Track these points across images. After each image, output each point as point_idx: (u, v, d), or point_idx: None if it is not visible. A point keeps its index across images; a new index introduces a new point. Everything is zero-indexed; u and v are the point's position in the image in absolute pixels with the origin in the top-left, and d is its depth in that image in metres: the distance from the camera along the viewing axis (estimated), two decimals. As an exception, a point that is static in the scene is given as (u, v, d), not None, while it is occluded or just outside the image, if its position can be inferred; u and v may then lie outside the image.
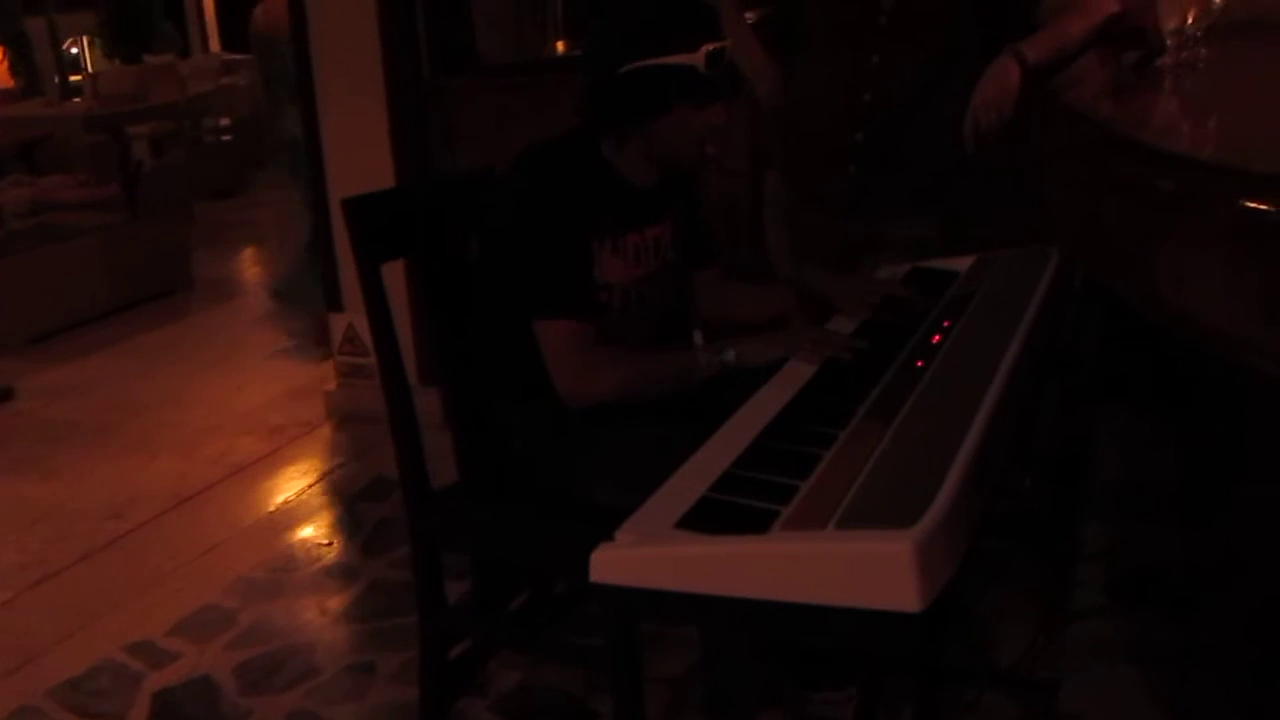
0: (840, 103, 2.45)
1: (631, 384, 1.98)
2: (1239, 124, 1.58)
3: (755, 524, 1.31)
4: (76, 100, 12.34)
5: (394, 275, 2.15)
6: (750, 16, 2.68)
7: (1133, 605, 2.22)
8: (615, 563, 1.32)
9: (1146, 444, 2.35)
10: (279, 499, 3.63)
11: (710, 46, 1.91)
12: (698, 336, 2.37)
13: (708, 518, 1.35)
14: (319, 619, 2.90)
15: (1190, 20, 1.89)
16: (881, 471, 1.38)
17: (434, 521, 2.18)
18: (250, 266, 7.25)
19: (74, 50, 15.70)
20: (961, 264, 2.33)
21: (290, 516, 3.51)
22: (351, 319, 4.12)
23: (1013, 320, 1.85)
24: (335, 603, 2.97)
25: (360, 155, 3.79)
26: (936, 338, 1.86)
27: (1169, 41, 1.94)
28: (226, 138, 10.27)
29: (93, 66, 14.86)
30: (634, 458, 1.94)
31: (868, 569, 1.19)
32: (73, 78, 14.81)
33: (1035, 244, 2.28)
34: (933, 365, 1.73)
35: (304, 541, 3.33)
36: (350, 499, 3.60)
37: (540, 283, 1.99)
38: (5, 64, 15.18)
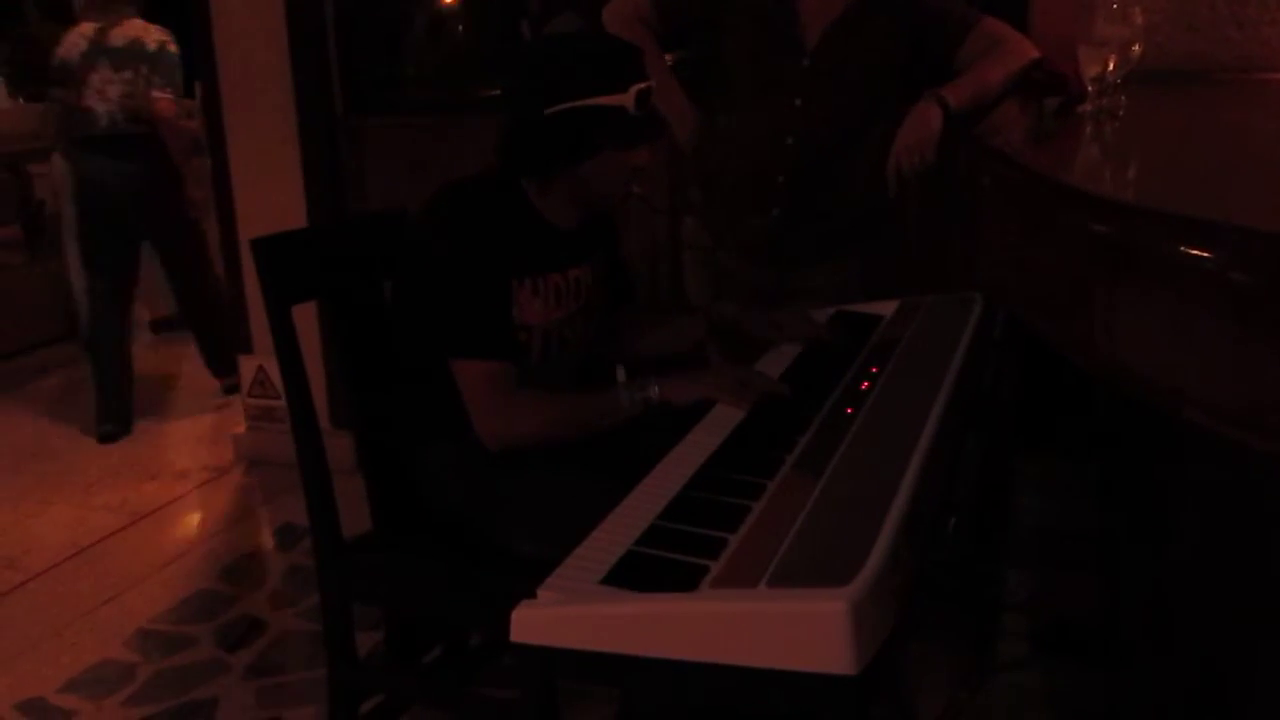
0: (763, 147, 2.43)
1: (553, 425, 1.93)
2: (1164, 170, 1.58)
3: (683, 580, 1.25)
4: (-24, 138, 11.99)
5: (305, 316, 2.07)
6: (669, 59, 2.65)
7: (1055, 656, 2.20)
8: (537, 622, 1.26)
9: (1068, 491, 2.35)
10: (183, 547, 3.50)
11: (640, 86, 1.87)
12: (620, 373, 2.33)
13: (634, 573, 1.30)
14: (223, 673, 2.77)
15: (1110, 68, 1.90)
16: (813, 526, 1.33)
17: (345, 572, 2.09)
18: (161, 304, 7.03)
19: (-24, 86, 15.30)
20: (884, 308, 2.31)
21: (194, 565, 3.37)
22: (261, 361, 4.01)
23: (940, 367, 1.83)
24: (241, 655, 2.84)
25: (271, 194, 3.70)
26: (865, 384, 1.83)
27: (1090, 89, 1.94)
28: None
29: (-4, 103, 14.51)
30: (553, 506, 1.90)
31: (800, 630, 1.15)
32: (-27, 113, 14.42)
33: (958, 290, 2.28)
34: (861, 413, 1.70)
35: (209, 591, 3.20)
36: (258, 546, 3.47)
37: (458, 322, 1.93)
38: (-100, 99, 14.74)
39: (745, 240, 2.54)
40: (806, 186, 2.44)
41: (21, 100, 13.97)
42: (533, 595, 1.28)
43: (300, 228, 2.15)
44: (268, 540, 3.50)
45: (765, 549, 1.28)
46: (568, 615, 1.25)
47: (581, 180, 1.95)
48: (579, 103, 1.86)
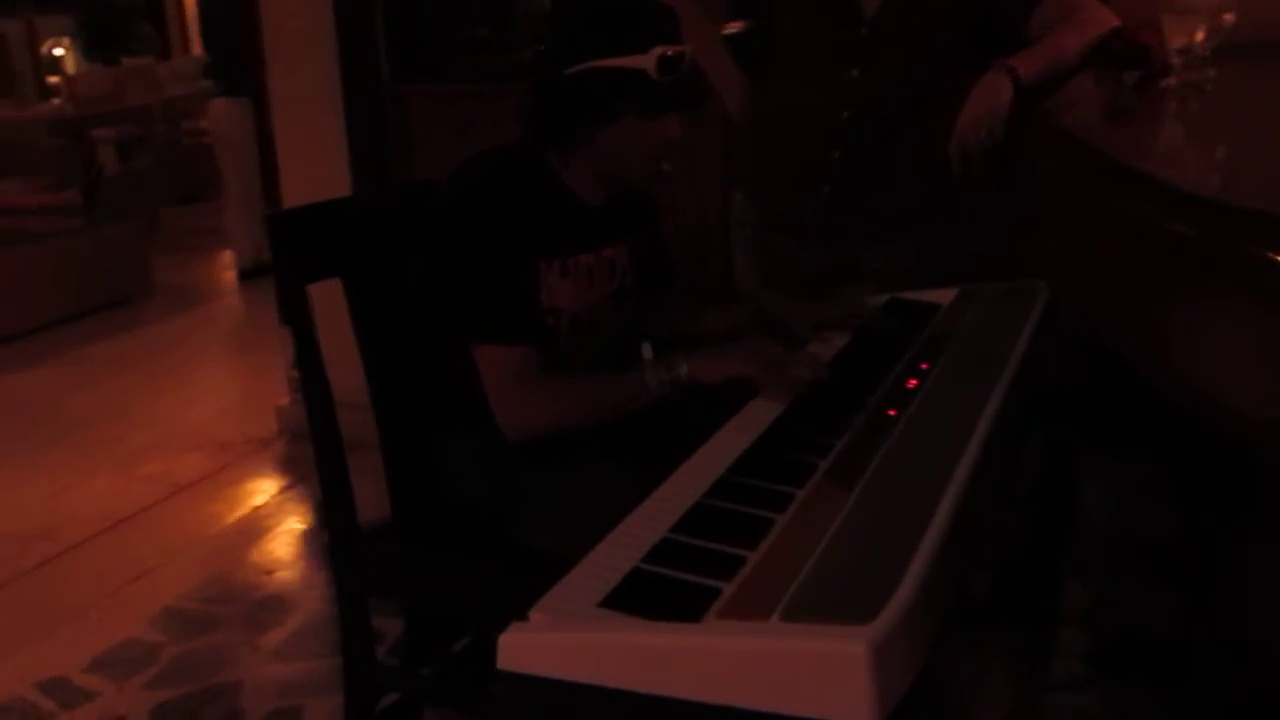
0: (816, 119, 2.27)
1: (576, 414, 1.81)
2: (1258, 159, 1.39)
3: (690, 606, 1.12)
4: (55, 101, 12.18)
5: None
6: (735, 27, 2.50)
7: (1114, 676, 2.03)
8: (526, 648, 1.13)
9: (1137, 494, 2.17)
10: (219, 523, 3.44)
11: (664, 50, 1.72)
12: (646, 350, 2.19)
13: (637, 596, 1.16)
14: (248, 656, 2.70)
15: (1199, 38, 1.71)
16: (838, 548, 1.19)
17: (360, 565, 1.99)
18: (212, 273, 7.04)
19: (57, 51, 15.52)
20: (943, 296, 2.15)
21: (230, 542, 3.32)
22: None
23: (996, 366, 1.67)
24: (268, 639, 2.77)
25: (316, 163, 3.61)
26: (912, 382, 1.67)
27: (1175, 61, 1.76)
28: (204, 140, 10.06)
29: (71, 68, 14.68)
30: (576, 503, 1.77)
31: (815, 672, 1.01)
32: (51, 79, 14.64)
33: (1023, 277, 2.11)
34: (905, 416, 1.55)
35: (241, 569, 3.14)
36: (296, 524, 3.40)
37: (479, 305, 1.80)
38: (-22, 64, 14.98)
39: (796, 219, 2.38)
40: (862, 163, 2.27)
41: (97, 64, 14.19)
42: (524, 617, 1.16)
43: (318, 202, 2.03)
44: (304, 518, 3.42)
45: (782, 573, 1.14)
46: (559, 643, 1.12)
47: (602, 150, 1.81)
48: (596, 63, 1.72)
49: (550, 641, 1.13)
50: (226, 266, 6.96)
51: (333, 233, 2.00)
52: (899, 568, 1.10)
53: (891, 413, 1.56)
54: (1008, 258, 2.53)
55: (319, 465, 1.96)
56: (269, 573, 3.11)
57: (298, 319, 1.92)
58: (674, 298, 2.16)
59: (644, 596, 1.16)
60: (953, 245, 2.44)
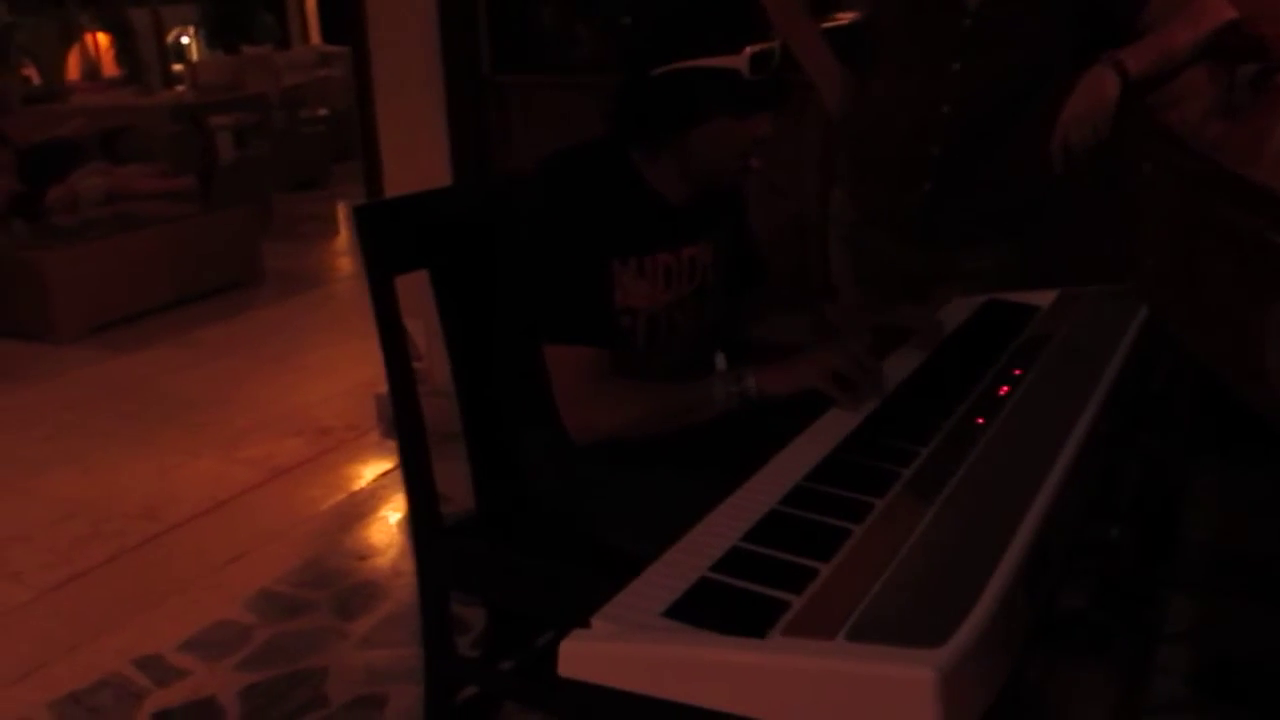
0: (915, 114, 2.21)
1: (641, 420, 1.77)
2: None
3: (757, 620, 1.08)
4: (178, 89, 12.55)
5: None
6: (845, 17, 2.44)
7: (1217, 700, 1.94)
8: (587, 656, 1.11)
9: (1250, 509, 2.07)
10: (316, 508, 3.49)
11: (755, 48, 1.68)
12: (720, 360, 2.15)
13: (702, 606, 1.13)
14: (337, 642, 2.73)
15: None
16: (913, 563, 1.15)
17: (442, 559, 1.99)
18: (322, 260, 7.17)
19: (184, 39, 15.99)
20: (1044, 299, 2.07)
21: (324, 527, 3.36)
22: (404, 321, 3.95)
23: (1092, 375, 1.60)
24: (357, 625, 2.79)
25: (417, 154, 3.63)
26: (1004, 389, 1.61)
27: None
28: (320, 129, 10.28)
29: (195, 57, 15.11)
30: (654, 503, 1.74)
31: (879, 697, 0.97)
32: (175, 67, 15.09)
33: (1128, 282, 2.03)
34: (994, 425, 1.49)
35: (335, 555, 3.17)
36: (386, 513, 3.43)
37: (551, 303, 1.78)
38: (110, 52, 15.48)
39: (893, 217, 2.32)
40: (962, 160, 2.20)
41: (219, 53, 14.58)
42: (587, 624, 1.13)
43: (407, 194, 2.03)
44: (397, 507, 3.45)
45: (853, 588, 1.10)
46: (620, 652, 1.10)
47: (692, 150, 1.77)
48: (686, 64, 1.68)
49: (610, 651, 1.10)
50: (337, 253, 7.07)
51: (419, 225, 2.00)
52: (975, 588, 1.06)
53: (980, 421, 1.50)
54: (1110, 260, 2.44)
55: (403, 457, 1.97)
56: (362, 559, 3.14)
57: (383, 310, 1.92)
58: (756, 308, 2.12)
59: (709, 607, 1.13)
60: (1055, 246, 2.36)
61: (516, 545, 1.94)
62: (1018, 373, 1.67)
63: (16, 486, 3.75)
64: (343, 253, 7.16)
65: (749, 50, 1.68)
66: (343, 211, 8.09)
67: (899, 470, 1.40)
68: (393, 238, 1.92)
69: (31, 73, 15.18)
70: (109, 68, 15.60)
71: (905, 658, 0.97)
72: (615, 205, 1.79)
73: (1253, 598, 2.05)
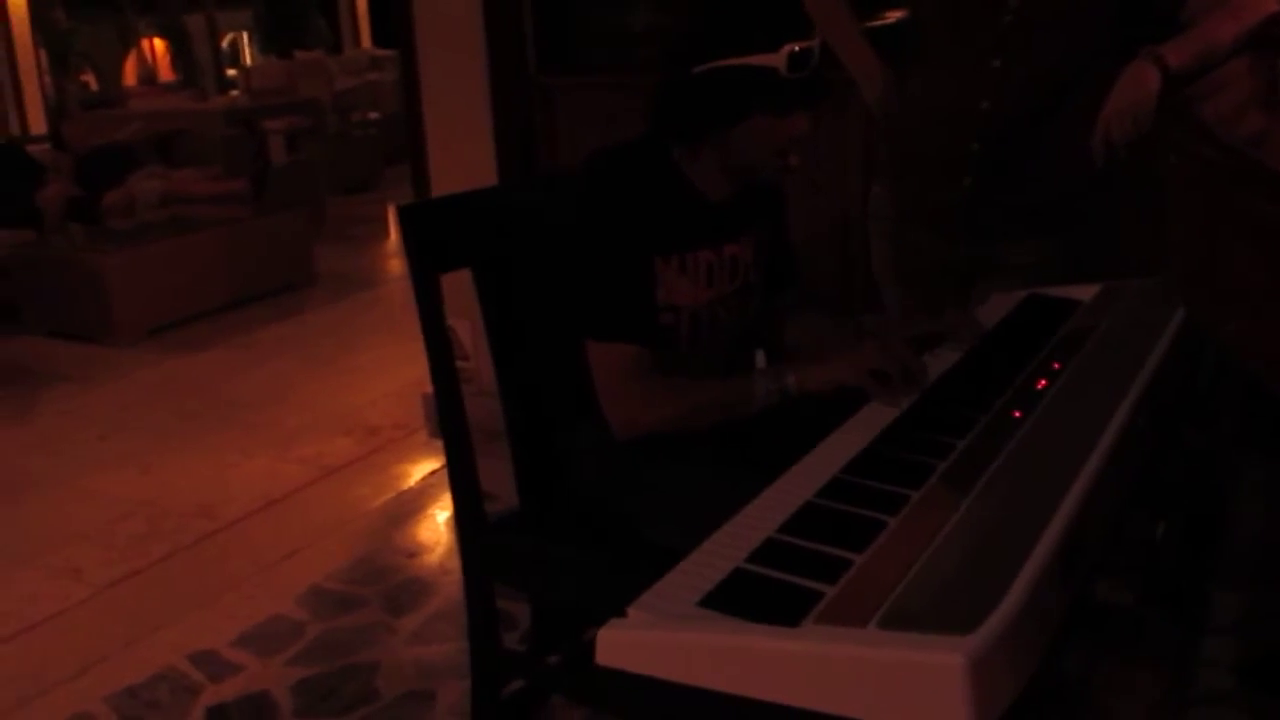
0: (956, 109, 2.21)
1: (682, 417, 1.79)
2: None
3: (790, 609, 1.10)
4: (232, 93, 12.73)
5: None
6: (892, 16, 2.45)
7: (1264, 692, 1.93)
8: (624, 644, 1.13)
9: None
10: (365, 506, 3.54)
11: (794, 46, 1.69)
12: (760, 359, 2.17)
13: (737, 596, 1.15)
14: (387, 638, 2.77)
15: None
16: (946, 554, 1.16)
17: (486, 554, 2.02)
18: (373, 262, 7.25)
19: (238, 44, 16.21)
20: (1085, 293, 2.07)
21: (373, 525, 3.40)
22: (452, 321, 3.98)
23: (1131, 369, 1.60)
24: (406, 621, 2.83)
25: (462, 153, 3.67)
26: (1042, 383, 1.62)
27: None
28: (372, 132, 10.39)
29: (249, 61, 15.32)
30: (696, 498, 1.76)
31: (910, 683, 0.98)
32: (229, 71, 15.30)
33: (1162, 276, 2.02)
34: (1031, 418, 1.50)
35: (384, 552, 3.21)
36: (434, 511, 3.47)
37: (593, 301, 1.81)
38: (166, 57, 15.73)
39: (934, 213, 2.32)
40: (1002, 155, 2.20)
41: (272, 57, 14.77)
42: (623, 613, 1.16)
43: (451, 193, 2.07)
44: (445, 505, 3.49)
45: (886, 578, 1.12)
46: (656, 640, 1.12)
47: (731, 148, 1.79)
48: (725, 62, 1.70)
49: (646, 639, 1.13)
50: (388, 255, 7.16)
51: (463, 224, 2.03)
52: (1006, 578, 1.07)
53: (1017, 414, 1.51)
54: (1150, 254, 2.42)
55: (448, 454, 2.00)
56: (410, 556, 3.18)
57: (427, 309, 1.96)
58: (790, 307, 2.12)
59: (744, 597, 1.15)
60: (1095, 240, 2.35)
61: (559, 540, 1.97)
62: (1057, 366, 1.68)
63: (77, 486, 3.83)
64: (393, 254, 7.24)
65: (787, 48, 1.69)
66: (393, 214, 8.17)
67: (935, 463, 1.41)
68: (436, 236, 1.95)
69: (90, 78, 15.48)
70: (165, 73, 15.86)
71: (935, 645, 0.98)
72: (658, 203, 1.81)
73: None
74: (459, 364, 3.98)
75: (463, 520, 2.01)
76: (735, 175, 1.86)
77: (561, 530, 1.99)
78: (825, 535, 1.26)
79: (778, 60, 1.70)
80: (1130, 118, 1.99)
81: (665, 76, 1.81)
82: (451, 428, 1.97)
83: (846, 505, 1.33)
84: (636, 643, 1.13)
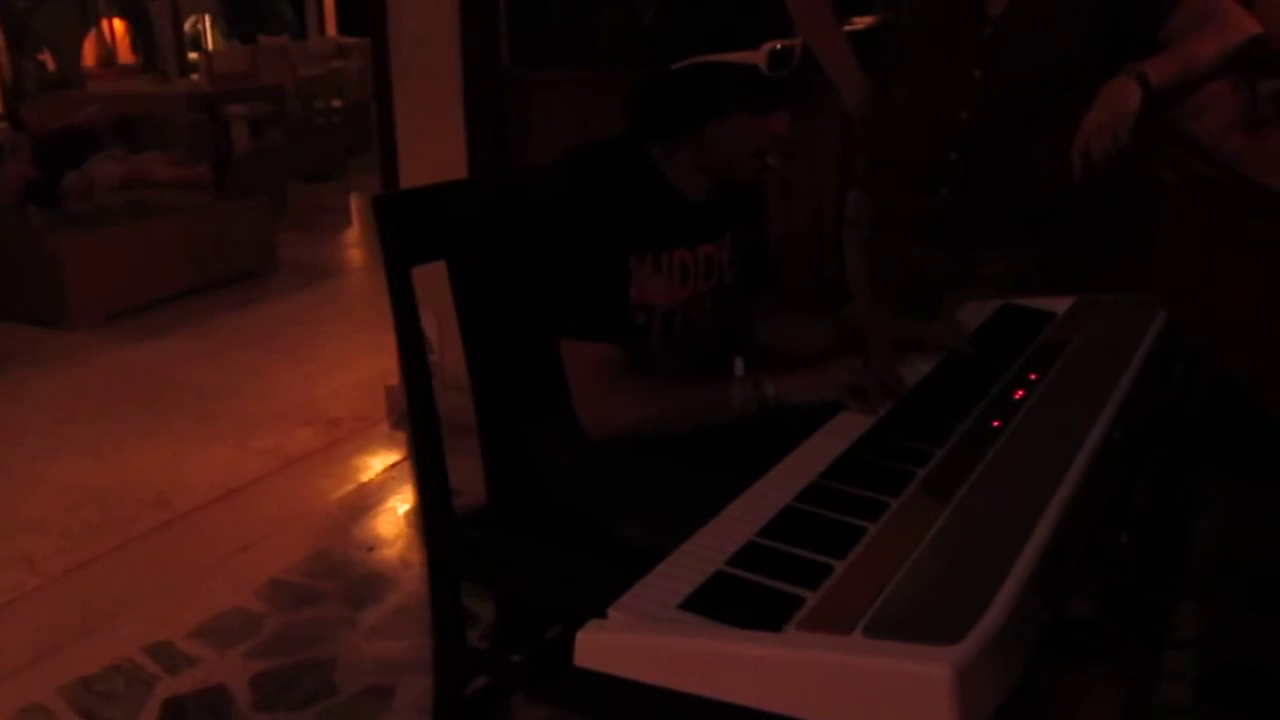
0: (935, 119, 2.22)
1: (658, 419, 1.78)
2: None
3: (772, 614, 1.09)
4: (194, 77, 12.58)
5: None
6: (861, 21, 2.45)
7: (1223, 706, 1.94)
8: (604, 646, 1.12)
9: (1255, 521, 2.07)
10: (325, 498, 3.50)
11: (775, 44, 1.68)
12: (738, 366, 2.16)
13: (718, 599, 1.14)
14: (346, 632, 2.74)
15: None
16: (928, 562, 1.15)
17: (454, 549, 2.00)
18: (335, 251, 7.19)
19: (200, 28, 16.03)
20: (1059, 304, 2.08)
21: (334, 517, 3.37)
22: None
23: (1107, 381, 1.61)
24: (365, 616, 2.80)
25: (434, 146, 3.64)
26: (1019, 393, 1.62)
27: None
28: (335, 120, 10.30)
29: (211, 46, 15.16)
30: (668, 499, 1.75)
31: (896, 692, 0.98)
32: (191, 56, 15.13)
33: (1141, 289, 2.04)
34: (1009, 428, 1.50)
35: (344, 545, 3.18)
36: (398, 503, 3.44)
37: (568, 299, 1.79)
38: (127, 40, 15.52)
39: (910, 220, 2.33)
40: (980, 166, 2.21)
41: (235, 42, 14.62)
42: (603, 614, 1.14)
43: (426, 185, 2.04)
44: (406, 499, 3.46)
45: (869, 586, 1.11)
46: (636, 643, 1.11)
47: (708, 146, 1.77)
48: (704, 58, 1.69)
49: (627, 641, 1.11)
50: (351, 245, 7.10)
51: (438, 216, 2.01)
52: (990, 587, 1.06)
53: (996, 424, 1.51)
54: (1126, 268, 2.44)
55: (415, 449, 1.98)
56: (370, 550, 3.15)
57: (400, 301, 1.93)
58: (765, 302, 2.11)
59: (725, 601, 1.14)
60: (1071, 253, 2.36)
61: (529, 537, 1.95)
62: (1033, 377, 1.68)
63: (30, 472, 3.77)
64: (356, 244, 7.19)
65: (769, 46, 1.68)
66: (356, 204, 8.12)
67: (914, 470, 1.41)
68: (411, 228, 1.93)
69: (47, 59, 15.22)
70: (125, 55, 15.64)
71: (922, 654, 0.98)
72: (635, 201, 1.79)
73: (1258, 607, 2.06)
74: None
75: (431, 516, 1.99)
76: (712, 174, 1.85)
77: (532, 528, 1.97)
78: (806, 540, 1.25)
79: (759, 58, 1.68)
80: (1110, 132, 2.00)
81: (643, 72, 1.80)
82: (421, 421, 1.95)
83: (826, 510, 1.33)
84: (616, 645, 1.12)
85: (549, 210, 1.81)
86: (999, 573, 1.09)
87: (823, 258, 3.07)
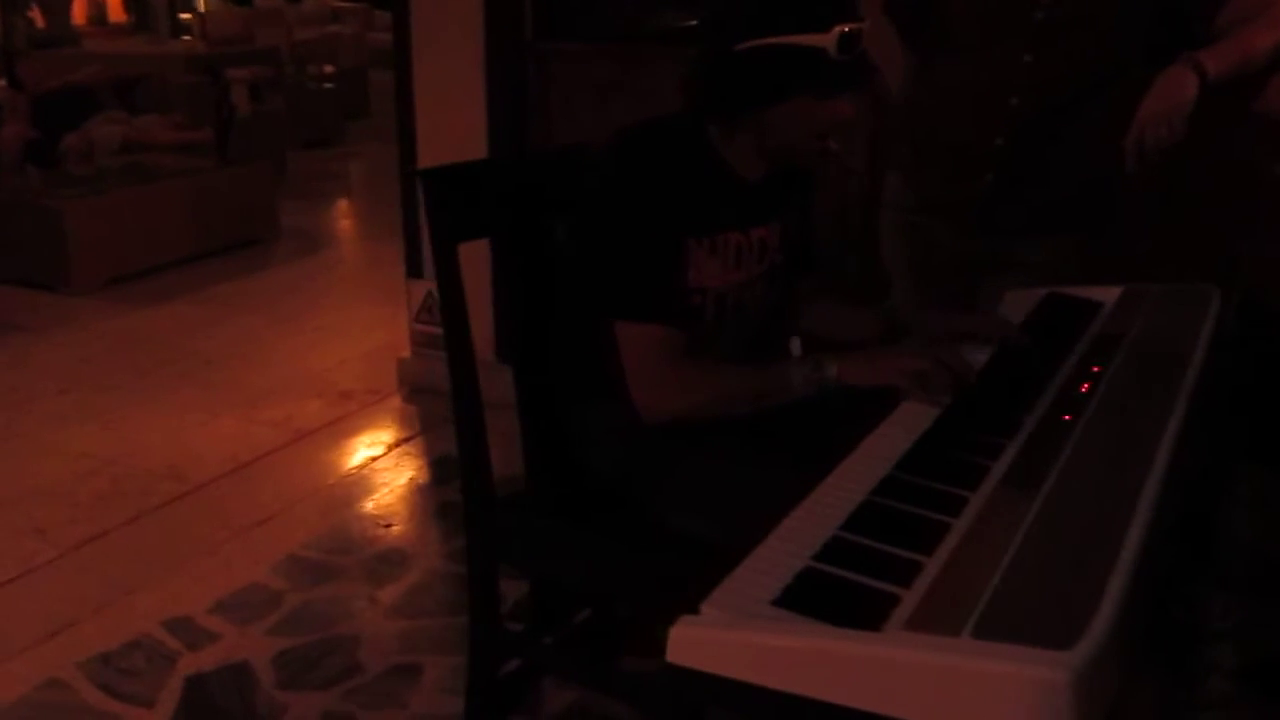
0: (983, 104, 2.19)
1: (715, 402, 1.75)
2: None
3: (870, 612, 1.07)
4: (186, 39, 12.42)
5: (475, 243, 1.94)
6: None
7: (1265, 696, 1.94)
8: (698, 643, 1.10)
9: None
10: (339, 472, 3.48)
11: (844, 27, 1.65)
12: (795, 346, 2.13)
13: (811, 596, 1.12)
14: (367, 609, 2.72)
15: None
16: (1028, 561, 1.13)
17: (494, 533, 1.97)
18: (337, 219, 7.13)
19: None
20: (1103, 294, 2.06)
21: (349, 492, 3.34)
22: (430, 286, 3.93)
23: (1175, 372, 1.59)
24: (387, 593, 2.78)
25: (453, 118, 3.60)
26: (1085, 386, 1.60)
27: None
28: (328, 86, 10.19)
29: (204, 6, 14.97)
30: (719, 483, 1.74)
31: (1009, 696, 0.96)
32: (183, 16, 14.94)
33: (1188, 280, 2.02)
34: (1083, 421, 1.48)
35: (360, 521, 3.16)
36: (413, 478, 3.42)
37: (625, 280, 1.76)
38: (120, -1, 15.32)
39: (954, 206, 2.30)
40: (1028, 152, 2.18)
41: (229, 3, 14.42)
42: (694, 610, 1.12)
43: (473, 160, 2.00)
44: (422, 473, 3.44)
45: (969, 585, 1.09)
46: (734, 640, 1.08)
47: (770, 128, 1.75)
48: (773, 40, 1.66)
49: (723, 639, 1.09)
50: (352, 213, 7.06)
51: (486, 193, 1.98)
52: (1097, 587, 1.05)
53: (1067, 418, 1.49)
54: (1164, 257, 2.43)
55: (458, 431, 1.94)
56: (387, 526, 3.13)
57: (446, 279, 1.90)
58: (810, 293, 2.09)
59: (817, 598, 1.12)
60: (1114, 242, 2.34)
61: (572, 521, 1.93)
62: (1096, 370, 1.66)
63: (37, 440, 3.72)
64: (358, 213, 7.13)
65: (838, 29, 1.65)
66: (355, 171, 8.07)
67: (987, 464, 1.39)
68: (459, 204, 1.89)
69: (36, 15, 14.99)
70: (116, 13, 15.43)
71: (1038, 659, 0.95)
72: (693, 182, 1.76)
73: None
74: (437, 330, 3.94)
75: (472, 500, 1.96)
76: (772, 157, 1.82)
77: (574, 512, 1.94)
78: (888, 535, 1.23)
79: (827, 41, 1.65)
80: (1166, 122, 1.99)
81: (707, 50, 1.76)
82: (465, 406, 1.91)
83: (905, 504, 1.31)
84: (711, 642, 1.09)
85: (606, 191, 1.78)
86: (1104, 567, 1.08)
87: (848, 243, 3.05)
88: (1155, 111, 1.99)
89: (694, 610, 1.12)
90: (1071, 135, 2.17)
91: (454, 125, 3.59)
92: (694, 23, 3.18)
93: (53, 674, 2.46)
